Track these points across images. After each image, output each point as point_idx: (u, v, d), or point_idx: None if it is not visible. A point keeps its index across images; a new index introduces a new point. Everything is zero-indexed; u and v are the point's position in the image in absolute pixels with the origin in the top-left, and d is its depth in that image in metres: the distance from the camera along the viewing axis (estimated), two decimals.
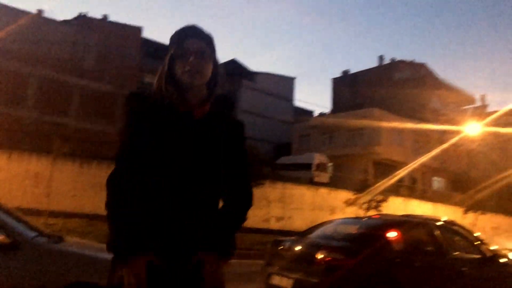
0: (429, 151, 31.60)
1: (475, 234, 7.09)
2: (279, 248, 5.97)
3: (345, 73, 46.59)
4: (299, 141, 37.82)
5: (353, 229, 6.23)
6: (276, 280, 5.58)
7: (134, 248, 1.51)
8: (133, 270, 1.50)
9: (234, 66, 39.41)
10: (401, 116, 33.90)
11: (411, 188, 32.09)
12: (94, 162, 17.25)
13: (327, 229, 6.44)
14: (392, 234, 5.67)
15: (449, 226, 6.73)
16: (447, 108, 41.39)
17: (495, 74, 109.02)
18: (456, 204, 26.60)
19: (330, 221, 7.23)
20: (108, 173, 1.65)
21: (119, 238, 1.53)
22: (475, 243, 6.56)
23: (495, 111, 35.98)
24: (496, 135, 34.92)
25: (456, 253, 6.14)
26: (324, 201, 22.85)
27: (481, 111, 42.10)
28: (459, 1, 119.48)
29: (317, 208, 22.41)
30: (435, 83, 40.93)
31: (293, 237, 6.47)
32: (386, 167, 29.94)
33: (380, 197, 19.07)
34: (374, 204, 18.76)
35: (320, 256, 5.15)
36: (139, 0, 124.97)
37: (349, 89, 44.45)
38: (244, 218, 1.73)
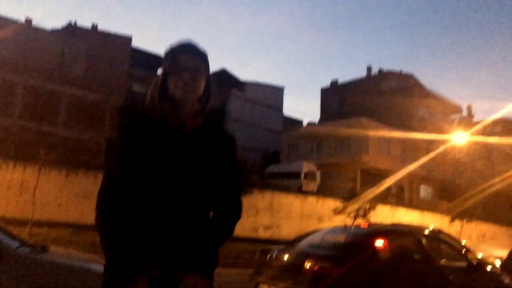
0: (416, 159, 31.93)
1: (461, 242, 7.15)
2: (267, 257, 5.95)
3: (334, 83, 46.99)
4: (287, 149, 37.95)
5: (341, 238, 6.24)
6: None
7: (135, 270, 1.52)
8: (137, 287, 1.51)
9: (224, 76, 39.48)
10: (388, 125, 34.27)
11: (398, 196, 32.31)
12: (80, 171, 17.03)
13: (315, 238, 6.44)
14: (379, 243, 5.69)
15: (436, 234, 6.79)
16: (434, 117, 41.96)
17: (481, 83, 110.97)
18: (442, 212, 26.85)
19: (318, 230, 7.23)
20: (94, 182, 1.65)
21: (119, 261, 1.53)
22: (462, 251, 6.62)
23: (481, 120, 36.58)
24: (482, 144, 35.45)
25: (443, 261, 6.18)
26: (312, 210, 22.87)
27: (467, 121, 42.75)
28: (446, 12, 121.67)
29: (306, 216, 22.42)
30: (422, 93, 41.49)
31: (281, 246, 6.46)
32: (373, 176, 30.13)
33: (368, 205, 19.15)
34: (362, 212, 18.83)
35: (308, 265, 5.14)
36: (128, 9, 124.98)
37: (338, 99, 44.83)
38: (231, 231, 1.73)
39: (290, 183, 25.88)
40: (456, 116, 45.59)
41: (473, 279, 6.25)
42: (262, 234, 20.54)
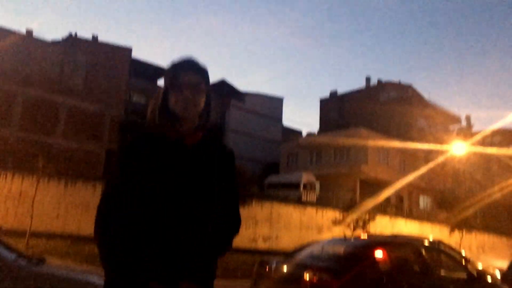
0: (415, 170, 31.91)
1: (461, 253, 7.12)
2: (266, 268, 5.92)
3: (333, 93, 47.16)
4: (287, 160, 37.91)
5: (340, 249, 6.21)
6: None
7: (136, 284, 1.53)
8: None
9: (223, 86, 39.64)
10: (387, 136, 34.29)
11: (398, 206, 32.22)
12: (79, 182, 17.00)
13: (314, 249, 6.41)
14: (378, 254, 5.66)
15: (436, 245, 6.76)
16: (433, 127, 41.99)
17: (480, 93, 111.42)
18: (442, 222, 26.74)
19: (317, 241, 7.20)
20: (93, 193, 1.66)
21: (119, 275, 1.54)
22: (462, 263, 6.58)
23: (481, 131, 36.67)
24: (481, 155, 35.48)
25: (443, 272, 6.15)
26: (311, 220, 22.78)
27: (466, 131, 42.83)
28: (444, 23, 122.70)
29: (305, 227, 22.32)
30: (421, 103, 41.60)
31: (280, 258, 6.42)
32: (373, 186, 30.07)
33: (367, 216, 19.07)
34: (361, 223, 18.75)
35: (307, 276, 5.11)
36: (128, 20, 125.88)
37: (337, 109, 44.94)
38: (229, 245, 1.75)
39: (289, 193, 25.80)
40: (455, 126, 45.66)
41: None
42: (261, 245, 20.44)
